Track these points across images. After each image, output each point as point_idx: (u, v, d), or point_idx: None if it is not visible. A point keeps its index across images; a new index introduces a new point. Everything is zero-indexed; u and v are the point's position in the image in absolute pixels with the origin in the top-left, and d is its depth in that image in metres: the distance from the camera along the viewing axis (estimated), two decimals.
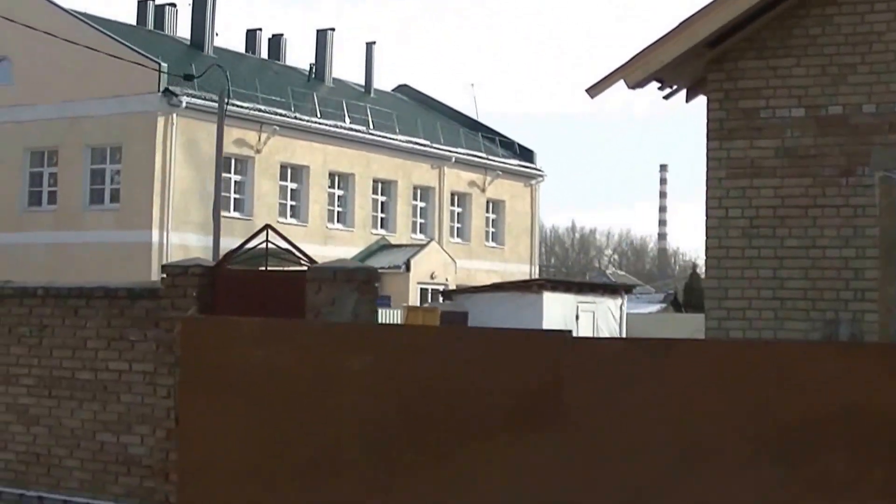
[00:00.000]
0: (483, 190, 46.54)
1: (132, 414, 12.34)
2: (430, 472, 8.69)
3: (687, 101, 12.97)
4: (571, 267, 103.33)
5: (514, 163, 47.35)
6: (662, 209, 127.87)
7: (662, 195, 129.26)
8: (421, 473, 8.73)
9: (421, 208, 44.89)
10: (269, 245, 12.06)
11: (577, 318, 30.26)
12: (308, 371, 9.33)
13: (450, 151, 44.28)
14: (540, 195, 49.13)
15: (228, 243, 38.53)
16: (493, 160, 46.74)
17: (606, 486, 7.98)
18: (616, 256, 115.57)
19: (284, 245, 12.05)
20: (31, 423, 13.01)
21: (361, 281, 11.39)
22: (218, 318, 10.92)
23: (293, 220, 40.29)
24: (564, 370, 8.14)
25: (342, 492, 9.11)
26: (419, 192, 44.53)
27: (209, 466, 9.74)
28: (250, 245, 12.15)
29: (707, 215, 11.84)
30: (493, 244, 47.26)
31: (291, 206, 40.48)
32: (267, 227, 11.99)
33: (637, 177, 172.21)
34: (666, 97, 12.57)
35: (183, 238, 36.27)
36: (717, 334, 11.57)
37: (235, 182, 38.57)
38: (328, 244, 40.18)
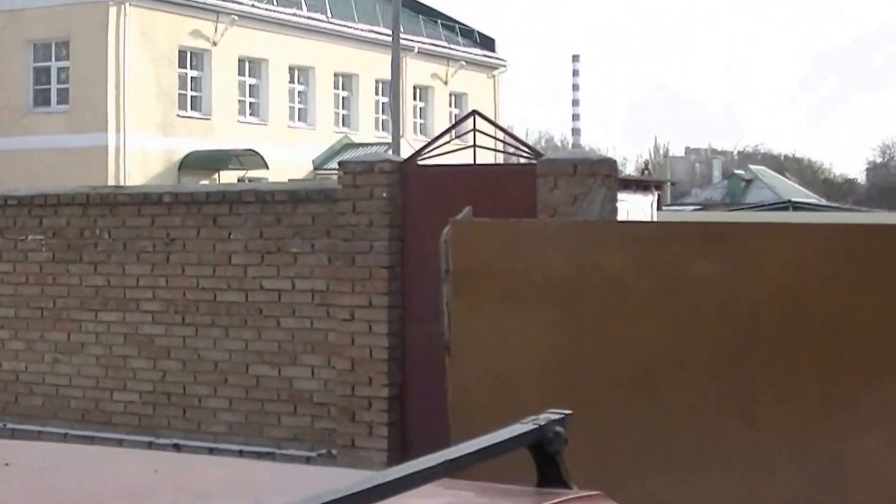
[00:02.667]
0: (446, 83, 44.27)
1: (297, 342, 10.22)
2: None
3: None
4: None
5: (476, 52, 45.05)
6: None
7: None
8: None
9: (383, 104, 42.51)
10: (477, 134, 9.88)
11: None
12: (641, 277, 7.33)
13: (412, 41, 41.85)
14: (502, 86, 47.14)
15: (187, 145, 36.00)
16: (455, 49, 44.38)
17: None
18: None
19: (494, 134, 9.86)
20: (158, 357, 10.80)
21: (605, 174, 9.36)
22: (503, 221, 8.80)
23: (253, 119, 37.65)
24: None
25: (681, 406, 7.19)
26: (381, 86, 42.09)
27: (498, 396, 7.70)
28: (454, 134, 9.92)
29: None
30: (459, 141, 45.01)
31: (251, 103, 37.82)
32: (474, 112, 9.82)
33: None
34: None
35: (141, 141, 33.49)
36: None
37: (192, 78, 35.78)
38: (290, 144, 37.67)
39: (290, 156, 37.51)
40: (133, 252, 10.97)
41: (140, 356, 10.92)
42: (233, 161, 34.75)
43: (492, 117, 46.78)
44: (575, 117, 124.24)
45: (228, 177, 34.40)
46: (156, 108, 34.17)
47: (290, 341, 10.29)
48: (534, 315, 7.83)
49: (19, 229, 11.58)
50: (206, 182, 32.34)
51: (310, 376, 10.24)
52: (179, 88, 35.76)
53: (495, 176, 9.77)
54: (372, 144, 40.56)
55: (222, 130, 36.02)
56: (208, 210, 10.66)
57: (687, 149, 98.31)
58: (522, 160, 10.42)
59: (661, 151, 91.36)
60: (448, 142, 9.98)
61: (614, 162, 9.95)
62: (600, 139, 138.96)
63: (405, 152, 39.24)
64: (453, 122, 45.93)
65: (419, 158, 10.08)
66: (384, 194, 9.86)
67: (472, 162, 9.98)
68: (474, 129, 9.83)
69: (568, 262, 7.55)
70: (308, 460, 10.16)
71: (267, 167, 34.62)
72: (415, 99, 44.05)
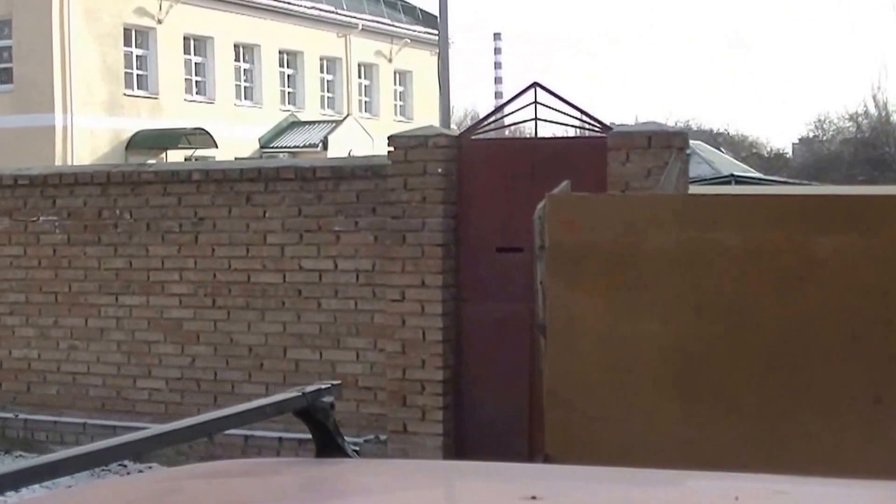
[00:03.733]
0: (390, 60, 43.64)
1: (341, 324, 9.76)
2: None
3: None
4: None
5: (420, 29, 44.44)
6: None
7: None
8: None
9: (328, 81, 41.84)
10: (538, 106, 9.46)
11: None
12: (760, 255, 6.98)
13: (356, 18, 41.21)
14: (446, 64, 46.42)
15: (134, 124, 35.10)
16: (400, 27, 43.75)
17: None
18: None
19: (556, 106, 9.44)
20: (186, 342, 10.29)
21: (678, 147, 9.00)
22: (606, 195, 8.40)
23: (199, 97, 36.82)
24: None
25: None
26: (326, 63, 41.41)
27: (604, 381, 7.31)
28: (514, 106, 9.49)
29: None
30: (402, 118, 44.54)
31: (197, 81, 36.98)
32: (535, 84, 9.39)
33: None
34: None
35: (88, 120, 32.57)
36: None
37: (137, 57, 34.84)
38: (236, 123, 36.90)
39: (238, 134, 36.79)
40: (158, 233, 10.41)
41: (166, 341, 10.39)
42: (182, 140, 33.94)
43: (436, 96, 46.43)
44: (497, 95, 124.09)
45: (177, 156, 33.59)
46: (102, 87, 33.28)
47: (332, 323, 9.82)
48: (643, 294, 7.43)
49: (30, 210, 10.97)
50: (153, 161, 31.54)
51: (354, 359, 9.78)
52: (125, 67, 34.88)
53: (560, 149, 9.35)
54: (318, 122, 40.01)
55: (170, 109, 35.22)
56: (241, 188, 10.13)
57: (611, 123, 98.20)
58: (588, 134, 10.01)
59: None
60: (506, 115, 9.51)
61: (686, 135, 9.60)
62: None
63: (352, 129, 38.75)
64: (397, 100, 45.58)
65: (475, 132, 9.63)
66: (439, 170, 9.42)
67: (532, 135, 9.53)
68: (535, 102, 9.39)
69: (679, 238, 7.15)
70: (353, 447, 9.71)
71: (216, 146, 33.91)
72: (360, 77, 43.43)
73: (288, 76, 40.69)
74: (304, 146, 37.39)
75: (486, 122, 9.63)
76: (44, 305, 10.90)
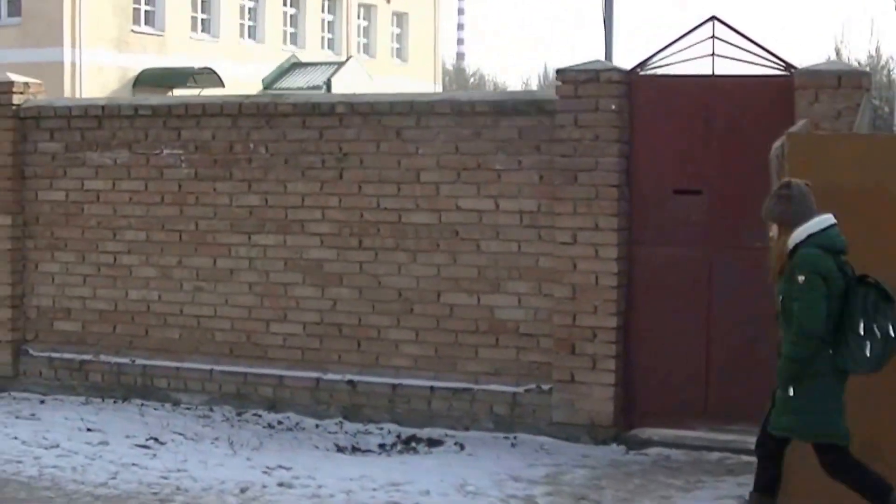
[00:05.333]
0: (388, 1, 42.84)
1: (501, 267, 9.29)
2: None
3: None
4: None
5: None
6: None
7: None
8: None
9: (329, 22, 41.00)
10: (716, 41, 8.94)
11: None
12: None
13: None
14: (442, 7, 45.69)
15: (141, 61, 34.16)
16: None
17: None
18: None
19: (737, 41, 8.92)
20: (328, 284, 9.78)
21: (866, 87, 8.54)
22: (854, 135, 7.91)
23: (205, 35, 35.94)
24: None
25: None
26: (327, 3, 40.55)
27: None
28: (689, 43, 8.96)
29: None
30: (399, 60, 43.83)
31: (203, 19, 36.06)
32: (713, 18, 8.87)
33: None
34: None
35: (96, 56, 31.64)
36: None
37: None
38: (240, 62, 36.05)
39: (241, 73, 35.95)
40: (297, 168, 9.84)
41: (305, 283, 9.85)
42: (189, 79, 33.08)
43: (432, 39, 45.77)
44: (460, 41, 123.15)
45: (183, 95, 32.78)
46: (111, 23, 32.37)
47: (492, 266, 9.32)
48: (884, 239, 7.04)
49: (152, 143, 10.36)
50: None
51: (516, 305, 9.29)
52: (133, 3, 33.93)
53: (740, 88, 8.85)
54: (320, 64, 39.26)
55: (175, 46, 34.38)
56: (390, 122, 9.58)
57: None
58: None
59: (551, 77, 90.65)
60: (682, 50, 8.98)
61: (870, 75, 9.13)
62: (485, 63, 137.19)
63: (354, 71, 37.98)
64: (394, 42, 44.80)
65: (644, 68, 9.10)
66: (613, 106, 8.91)
67: (709, 72, 9.01)
68: (713, 37, 8.88)
69: None
70: (514, 396, 9.27)
71: (223, 85, 33.10)
72: (358, 18, 42.63)
73: (290, 16, 39.82)
74: (308, 87, 36.59)
75: (656, 57, 9.09)
76: (166, 244, 10.31)
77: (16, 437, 9.01)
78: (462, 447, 8.94)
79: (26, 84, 11.05)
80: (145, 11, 34.27)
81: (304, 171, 9.81)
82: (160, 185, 10.31)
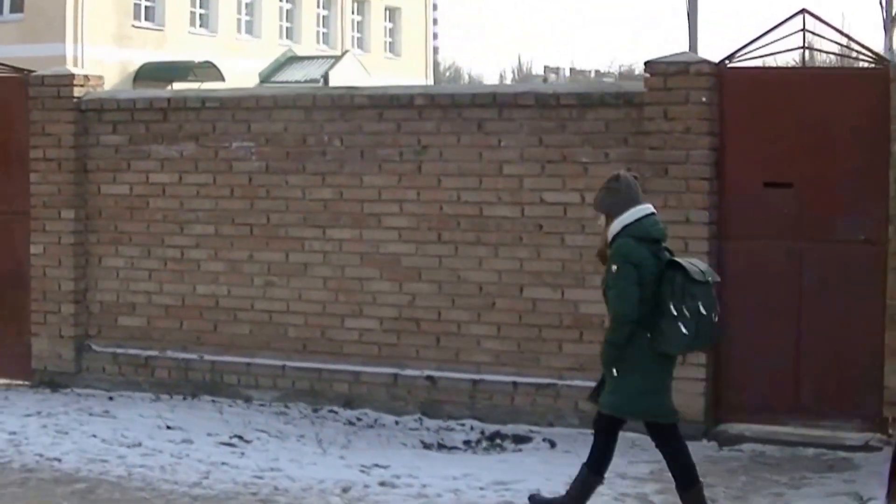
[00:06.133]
0: None
1: (586, 261, 9.19)
2: None
3: None
4: None
5: None
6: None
7: None
8: None
9: (324, 17, 40.86)
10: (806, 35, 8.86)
11: None
12: None
13: None
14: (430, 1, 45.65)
15: (140, 56, 33.94)
16: None
17: None
18: None
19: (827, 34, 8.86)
20: (406, 279, 9.67)
21: None
22: None
23: (203, 31, 35.77)
24: None
25: None
26: None
27: None
28: (780, 35, 8.88)
29: None
30: (391, 55, 43.75)
31: (201, 14, 35.86)
32: (803, 11, 8.79)
33: None
34: None
35: (97, 51, 31.40)
36: None
37: None
38: (237, 56, 35.86)
39: (238, 68, 35.76)
40: (373, 161, 9.72)
41: (382, 278, 9.73)
42: (190, 73, 32.89)
43: (423, 32, 45.64)
44: (434, 35, 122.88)
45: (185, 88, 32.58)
46: (112, 18, 32.15)
47: (577, 260, 9.23)
48: None
49: (220, 135, 10.21)
50: None
51: (601, 299, 9.14)
52: None
53: (832, 80, 8.80)
54: (315, 58, 39.13)
55: (174, 41, 34.18)
56: (471, 114, 9.47)
57: (546, 67, 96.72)
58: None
59: (525, 70, 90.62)
60: (771, 43, 8.90)
61: None
62: (459, 56, 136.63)
63: (350, 65, 37.80)
64: (387, 37, 44.66)
65: (733, 60, 9.02)
66: (703, 98, 8.82)
67: (800, 65, 8.96)
68: (804, 30, 8.81)
69: None
70: (596, 390, 9.15)
71: (223, 79, 32.98)
72: (353, 13, 42.51)
73: (286, 11, 39.63)
74: (305, 82, 36.46)
75: (744, 50, 9.01)
76: (236, 238, 10.17)
77: (94, 436, 8.85)
78: (552, 444, 8.84)
79: (86, 77, 10.86)
80: (145, 7, 34.09)
81: (381, 163, 9.69)
82: (229, 178, 10.17)
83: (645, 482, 7.76)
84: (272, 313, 10.09)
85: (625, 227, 6.58)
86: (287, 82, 36.84)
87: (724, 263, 8.97)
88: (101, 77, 11.00)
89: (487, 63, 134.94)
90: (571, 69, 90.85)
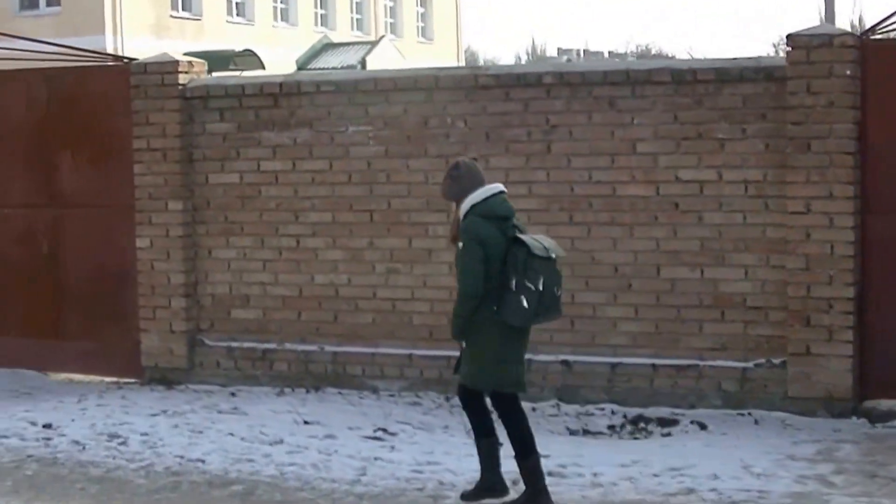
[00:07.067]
0: None
1: (726, 239, 8.98)
2: None
3: None
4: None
5: None
6: None
7: None
8: None
9: (357, 3, 40.61)
10: None
11: None
12: None
13: None
14: None
15: (179, 47, 33.65)
16: None
17: None
18: None
19: None
20: None
21: None
22: None
23: (241, 19, 35.54)
24: None
25: None
26: None
27: None
28: None
29: None
30: (424, 39, 43.51)
31: (237, 3, 35.61)
32: None
33: None
34: None
35: (137, 42, 31.17)
36: None
37: None
38: (274, 45, 35.64)
39: (275, 56, 35.56)
40: (500, 142, 9.50)
41: None
42: (231, 62, 32.67)
43: (454, 16, 45.36)
44: None
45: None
46: (149, 9, 31.93)
47: (716, 239, 9.01)
48: None
49: (336, 120, 9.99)
50: None
51: (742, 277, 8.99)
52: None
53: None
54: (351, 44, 38.91)
55: (212, 31, 33.97)
56: (602, 92, 9.24)
57: (560, 49, 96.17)
58: None
59: (539, 52, 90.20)
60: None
61: None
62: (474, 39, 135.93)
63: (386, 51, 37.55)
64: (419, 21, 44.40)
65: (875, 32, 8.78)
66: (848, 72, 8.59)
67: None
68: None
69: None
70: (743, 371, 8.97)
71: (263, 67, 32.70)
72: None
73: None
74: (342, 68, 36.22)
75: (889, 21, 8.77)
76: (355, 225, 9.96)
77: (232, 434, 8.61)
78: (702, 426, 8.63)
79: (190, 63, 10.65)
80: None
81: (508, 144, 9.47)
82: (346, 163, 9.95)
83: (817, 463, 7.55)
84: (396, 301, 9.89)
85: (473, 207, 6.80)
86: (324, 68, 36.59)
87: (869, 237, 8.76)
88: (204, 63, 10.82)
89: (502, 46, 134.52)
90: (585, 51, 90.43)
